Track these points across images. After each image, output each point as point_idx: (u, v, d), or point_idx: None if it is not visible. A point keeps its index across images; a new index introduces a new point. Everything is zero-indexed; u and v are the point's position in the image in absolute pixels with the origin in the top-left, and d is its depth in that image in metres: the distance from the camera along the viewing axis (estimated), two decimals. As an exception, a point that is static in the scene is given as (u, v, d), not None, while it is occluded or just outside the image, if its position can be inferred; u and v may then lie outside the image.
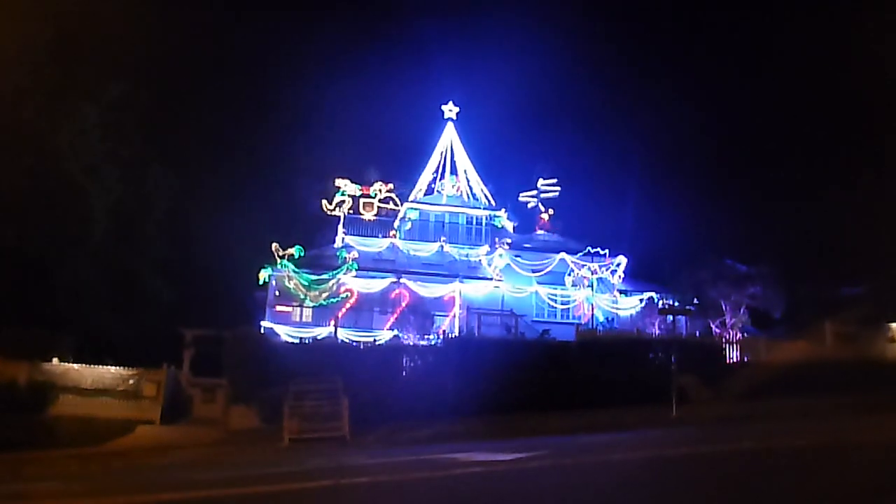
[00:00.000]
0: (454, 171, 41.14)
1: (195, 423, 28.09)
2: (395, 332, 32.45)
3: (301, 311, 34.09)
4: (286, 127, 52.67)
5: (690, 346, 28.51)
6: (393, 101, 60.59)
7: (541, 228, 40.49)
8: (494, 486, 10.82)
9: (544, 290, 36.13)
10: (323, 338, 31.58)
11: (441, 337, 30.97)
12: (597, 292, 36.41)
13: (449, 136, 41.68)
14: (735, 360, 31.63)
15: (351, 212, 37.56)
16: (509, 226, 39.87)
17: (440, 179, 40.95)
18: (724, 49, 70.50)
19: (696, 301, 34.09)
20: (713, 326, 33.68)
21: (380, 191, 37.90)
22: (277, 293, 34.01)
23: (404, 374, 27.65)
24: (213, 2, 61.80)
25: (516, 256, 36.54)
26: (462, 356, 26.79)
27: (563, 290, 36.31)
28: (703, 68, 71.09)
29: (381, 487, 11.27)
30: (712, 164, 58.92)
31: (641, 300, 36.34)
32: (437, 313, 33.99)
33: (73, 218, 35.54)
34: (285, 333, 32.20)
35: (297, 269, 33.78)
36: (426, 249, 37.04)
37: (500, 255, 36.26)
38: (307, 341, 30.97)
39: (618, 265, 37.17)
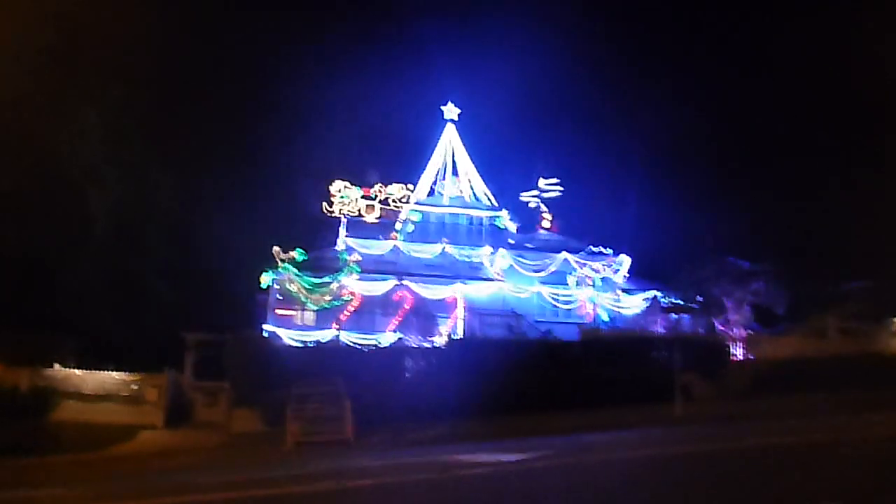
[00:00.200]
0: (455, 172, 41.06)
1: (198, 427, 28.06)
2: (398, 334, 32.42)
3: (303, 314, 34.04)
4: (286, 128, 52.82)
5: (693, 344, 28.47)
6: (393, 102, 60.70)
7: (542, 228, 40.45)
8: (499, 487, 10.79)
9: (547, 290, 36.07)
10: (325, 341, 31.56)
11: (444, 338, 30.92)
12: (599, 291, 36.37)
13: (449, 137, 41.64)
14: (738, 357, 31.57)
15: (352, 213, 37.48)
16: (511, 226, 39.79)
17: (441, 180, 40.89)
18: (725, 48, 70.53)
19: (698, 299, 34.04)
20: (716, 324, 33.62)
21: (389, 194, 37.74)
22: (279, 296, 33.98)
23: (407, 375, 27.61)
24: (214, 4, 61.81)
25: (518, 256, 36.49)
26: (465, 357, 26.75)
27: (565, 289, 36.25)
28: (703, 67, 71.10)
29: (385, 489, 11.24)
30: (714, 162, 58.84)
31: (645, 299, 36.29)
32: (440, 315, 33.96)
33: (74, 221, 35.54)
34: (288, 337, 32.16)
35: (298, 273, 33.74)
36: (428, 251, 36.96)
37: (502, 256, 36.22)
38: (310, 344, 30.95)
39: (620, 264, 37.13)
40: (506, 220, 39.61)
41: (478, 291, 35.41)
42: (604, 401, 23.14)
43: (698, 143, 64.25)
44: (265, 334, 32.14)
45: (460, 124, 42.02)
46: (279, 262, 33.83)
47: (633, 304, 36.42)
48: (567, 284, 36.26)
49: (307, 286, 33.62)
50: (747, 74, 66.74)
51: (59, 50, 33.05)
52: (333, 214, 37.34)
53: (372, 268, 34.95)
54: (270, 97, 61.07)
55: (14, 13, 26.38)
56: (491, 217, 39.49)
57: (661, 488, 9.45)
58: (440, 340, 31.73)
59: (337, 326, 32.52)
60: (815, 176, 46.86)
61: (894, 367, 24.66)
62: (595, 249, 37.24)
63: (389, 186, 37.86)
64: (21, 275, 33.86)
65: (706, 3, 77.34)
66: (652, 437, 16.78)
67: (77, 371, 29.27)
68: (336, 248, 36.94)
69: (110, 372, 29.41)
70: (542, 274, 36.17)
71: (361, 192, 37.60)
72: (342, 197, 37.28)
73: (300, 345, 30.99)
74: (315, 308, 33.83)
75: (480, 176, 41.37)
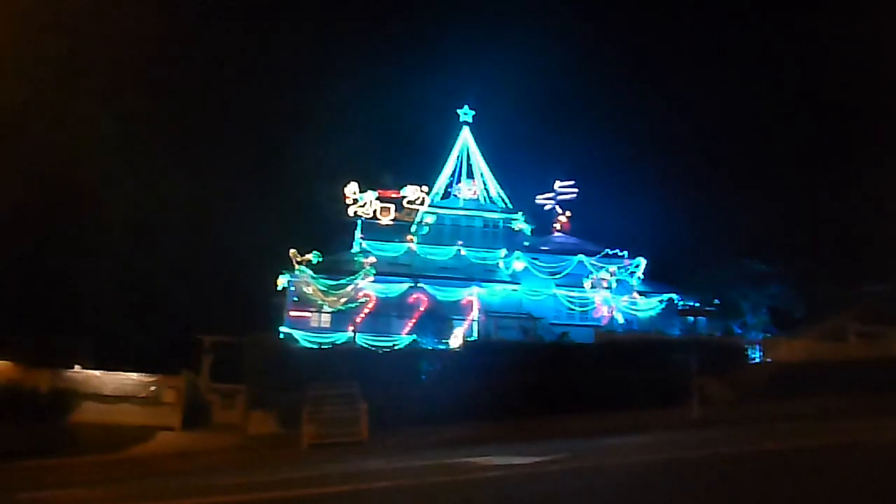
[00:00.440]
0: (470, 175, 41.07)
1: (215, 429, 28.25)
2: (414, 336, 32.46)
3: (319, 317, 34.13)
4: (302, 131, 52.92)
5: (711, 347, 28.34)
6: (409, 105, 60.80)
7: (558, 231, 40.38)
8: (514, 490, 10.79)
9: (562, 293, 36.00)
10: (341, 343, 31.66)
11: (459, 341, 30.92)
12: (615, 294, 36.23)
13: (465, 140, 41.67)
14: (756, 360, 31.36)
15: (367, 216, 37.52)
16: (526, 228, 39.73)
17: (457, 183, 40.89)
18: (743, 49, 70.07)
19: (716, 302, 33.85)
20: (734, 327, 33.41)
21: (404, 196, 37.77)
22: (296, 299, 34.11)
23: (423, 378, 27.65)
24: (233, 8, 62.20)
25: (533, 259, 36.44)
26: (480, 360, 26.78)
27: (580, 292, 36.14)
28: (720, 68, 70.81)
29: (401, 492, 11.27)
30: (731, 164, 58.65)
31: (661, 301, 36.13)
32: (455, 317, 33.96)
33: (92, 226, 35.84)
34: (304, 339, 32.27)
35: (315, 275, 33.87)
36: (443, 254, 37.00)
37: (518, 258, 36.18)
38: (326, 347, 31.05)
39: (636, 266, 36.99)
40: (521, 222, 39.54)
41: (493, 294, 35.40)
42: (620, 404, 23.09)
43: (715, 145, 64.03)
44: (281, 336, 32.28)
45: (476, 127, 42.11)
46: (295, 265, 33.97)
47: (649, 307, 36.28)
48: (582, 287, 36.15)
49: (323, 288, 33.73)
50: (766, 75, 66.44)
51: (75, 56, 33.38)
52: (349, 217, 37.42)
53: (387, 270, 35.02)
54: (286, 101, 61.40)
55: (29, 20, 26.69)
56: (506, 219, 39.42)
57: (678, 492, 9.42)
58: (455, 343, 31.76)
59: (352, 329, 32.60)
60: (833, 177, 46.56)
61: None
62: (611, 252, 37.11)
63: (405, 189, 37.90)
64: (41, 280, 34.20)
65: (725, 3, 76.90)
66: (668, 441, 16.70)
67: (97, 373, 29.53)
68: (352, 250, 37.05)
69: (129, 374, 29.63)
70: (558, 276, 36.10)
71: (377, 195, 37.66)
72: (357, 199, 37.34)
73: (316, 347, 31.08)
74: (331, 310, 33.92)
75: (496, 178, 41.37)
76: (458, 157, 41.41)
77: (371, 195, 37.33)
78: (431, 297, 34.35)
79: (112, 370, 29.73)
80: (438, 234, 38.31)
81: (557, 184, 40.68)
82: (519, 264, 36.16)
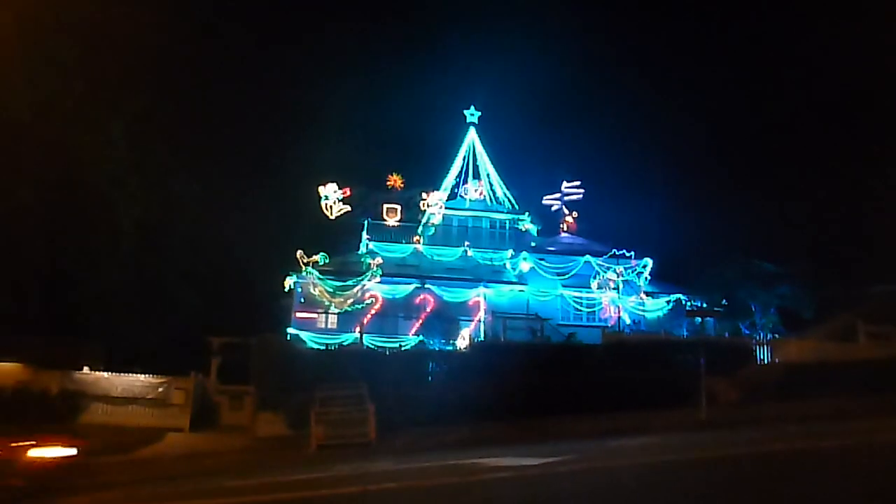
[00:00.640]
0: (477, 176, 41.09)
1: (223, 431, 28.26)
2: (421, 337, 32.49)
3: (326, 318, 34.22)
4: (308, 133, 53.00)
5: (719, 348, 28.17)
6: (415, 106, 60.75)
7: (565, 231, 40.36)
8: (523, 492, 10.78)
9: (569, 294, 35.97)
10: (348, 344, 31.70)
11: (466, 341, 30.92)
12: (623, 294, 36.19)
13: (471, 141, 41.69)
14: (765, 361, 31.24)
15: (374, 217, 37.59)
16: (533, 229, 39.73)
17: (463, 184, 40.93)
18: (750, 48, 69.86)
19: (724, 302, 33.74)
20: (742, 327, 33.30)
21: (411, 197, 37.83)
22: (303, 300, 34.19)
23: (430, 379, 27.65)
24: (241, 12, 62.37)
25: (540, 260, 36.43)
26: (488, 361, 26.73)
27: (588, 292, 36.12)
28: (727, 68, 70.63)
29: (409, 493, 11.29)
30: (738, 163, 58.47)
31: (668, 302, 36.07)
32: (462, 318, 33.99)
33: (100, 229, 35.91)
34: (311, 340, 32.34)
35: (321, 276, 33.94)
36: (450, 254, 37.04)
37: (524, 259, 36.17)
38: (333, 347, 31.09)
39: (644, 267, 36.94)
40: (528, 223, 39.54)
41: (500, 295, 35.39)
42: (627, 405, 23.01)
43: (722, 145, 63.87)
44: (288, 338, 32.34)
45: (482, 128, 42.13)
46: (302, 266, 34.05)
47: (657, 307, 36.22)
48: (590, 287, 36.14)
49: (330, 289, 33.80)
50: (772, 74, 66.14)
51: (83, 60, 33.48)
52: (355, 218, 37.48)
53: (394, 271, 35.08)
54: (293, 103, 61.53)
55: (38, 24, 26.78)
56: (513, 220, 39.44)
57: (686, 494, 9.40)
58: (462, 344, 31.77)
59: (359, 330, 32.64)
60: (843, 176, 46.35)
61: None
62: (618, 252, 37.07)
63: (411, 190, 37.94)
64: (50, 282, 34.31)
65: (731, 4, 76.71)
66: (677, 442, 16.67)
67: (106, 374, 29.59)
68: (358, 251, 37.11)
69: (137, 375, 29.71)
70: (565, 277, 36.08)
71: (383, 196, 37.72)
72: (364, 200, 37.43)
73: (323, 348, 31.12)
74: (338, 311, 34.01)
75: (502, 179, 41.38)
76: (464, 157, 41.44)
77: (377, 196, 37.40)
78: (438, 298, 34.39)
79: (121, 372, 29.82)
80: (445, 235, 38.37)
81: (564, 184, 40.68)
82: (526, 265, 36.17)
